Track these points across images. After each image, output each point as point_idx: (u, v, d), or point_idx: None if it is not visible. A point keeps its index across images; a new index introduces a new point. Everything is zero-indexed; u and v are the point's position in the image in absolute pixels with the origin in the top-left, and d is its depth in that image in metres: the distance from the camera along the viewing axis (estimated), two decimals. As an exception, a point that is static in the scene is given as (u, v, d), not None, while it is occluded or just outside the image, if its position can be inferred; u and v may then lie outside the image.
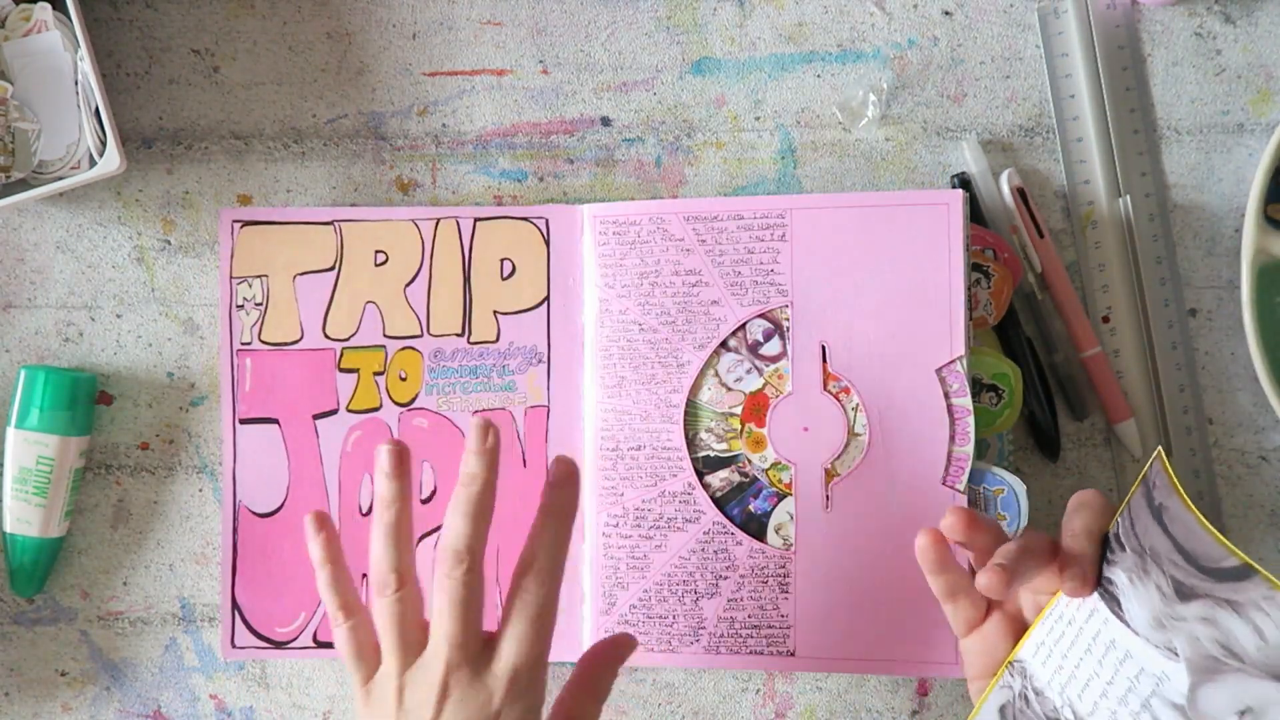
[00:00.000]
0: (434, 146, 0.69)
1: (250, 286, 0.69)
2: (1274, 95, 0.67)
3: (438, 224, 0.68)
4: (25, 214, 0.70)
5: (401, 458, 0.56)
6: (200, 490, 0.70)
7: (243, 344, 0.69)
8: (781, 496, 0.65)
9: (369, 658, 0.57)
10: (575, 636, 0.67)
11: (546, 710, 0.56)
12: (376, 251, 0.69)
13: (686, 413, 0.65)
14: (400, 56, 0.69)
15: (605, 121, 0.69)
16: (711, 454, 0.65)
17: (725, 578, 0.65)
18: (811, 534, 0.64)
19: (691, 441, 0.65)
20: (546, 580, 0.55)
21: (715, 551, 0.65)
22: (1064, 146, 0.68)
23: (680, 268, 0.65)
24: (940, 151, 0.68)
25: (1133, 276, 0.67)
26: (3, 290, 0.70)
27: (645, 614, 0.66)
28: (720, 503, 0.65)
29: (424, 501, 0.68)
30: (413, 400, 0.68)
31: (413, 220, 0.68)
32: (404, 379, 0.69)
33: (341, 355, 0.69)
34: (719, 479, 0.65)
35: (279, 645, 0.69)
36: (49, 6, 0.66)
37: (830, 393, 0.64)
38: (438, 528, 0.68)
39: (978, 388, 0.64)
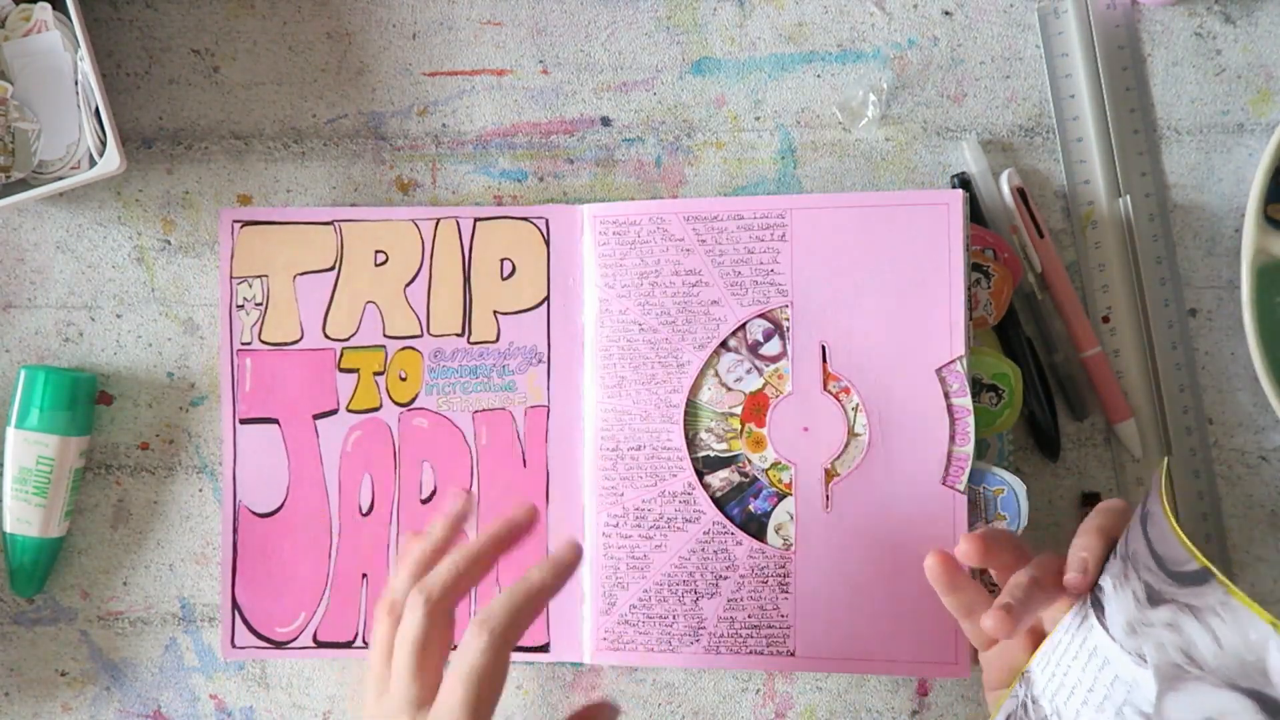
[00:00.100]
0: (434, 146, 0.69)
1: (250, 286, 0.69)
2: (1274, 95, 0.67)
3: (438, 224, 0.68)
4: (25, 214, 0.70)
5: (466, 513, 0.60)
6: (200, 490, 0.70)
7: (243, 344, 0.69)
8: (781, 496, 0.65)
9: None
10: (575, 636, 0.67)
11: None
12: (376, 251, 0.69)
13: (686, 413, 0.65)
14: (400, 56, 0.69)
15: (605, 121, 0.69)
16: (711, 454, 0.65)
17: (725, 578, 0.65)
18: (811, 534, 0.64)
19: (691, 441, 0.65)
20: (493, 646, 0.53)
21: (715, 551, 0.65)
22: (1064, 146, 0.68)
23: (680, 268, 0.65)
24: (940, 151, 0.68)
25: (1133, 276, 0.67)
26: (3, 290, 0.70)
27: (645, 614, 0.66)
28: (720, 503, 0.65)
29: (424, 502, 0.68)
30: (413, 400, 0.68)
31: (413, 220, 0.68)
32: (404, 379, 0.69)
33: (341, 355, 0.69)
34: (719, 479, 0.65)
35: (279, 645, 0.69)
36: (49, 6, 0.66)
37: (830, 393, 0.64)
38: (438, 528, 0.68)
39: (978, 388, 0.64)
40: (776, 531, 0.65)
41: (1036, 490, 0.68)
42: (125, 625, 0.70)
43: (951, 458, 0.63)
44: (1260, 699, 0.46)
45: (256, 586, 0.69)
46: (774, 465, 0.65)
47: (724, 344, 0.65)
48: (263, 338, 0.69)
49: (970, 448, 0.62)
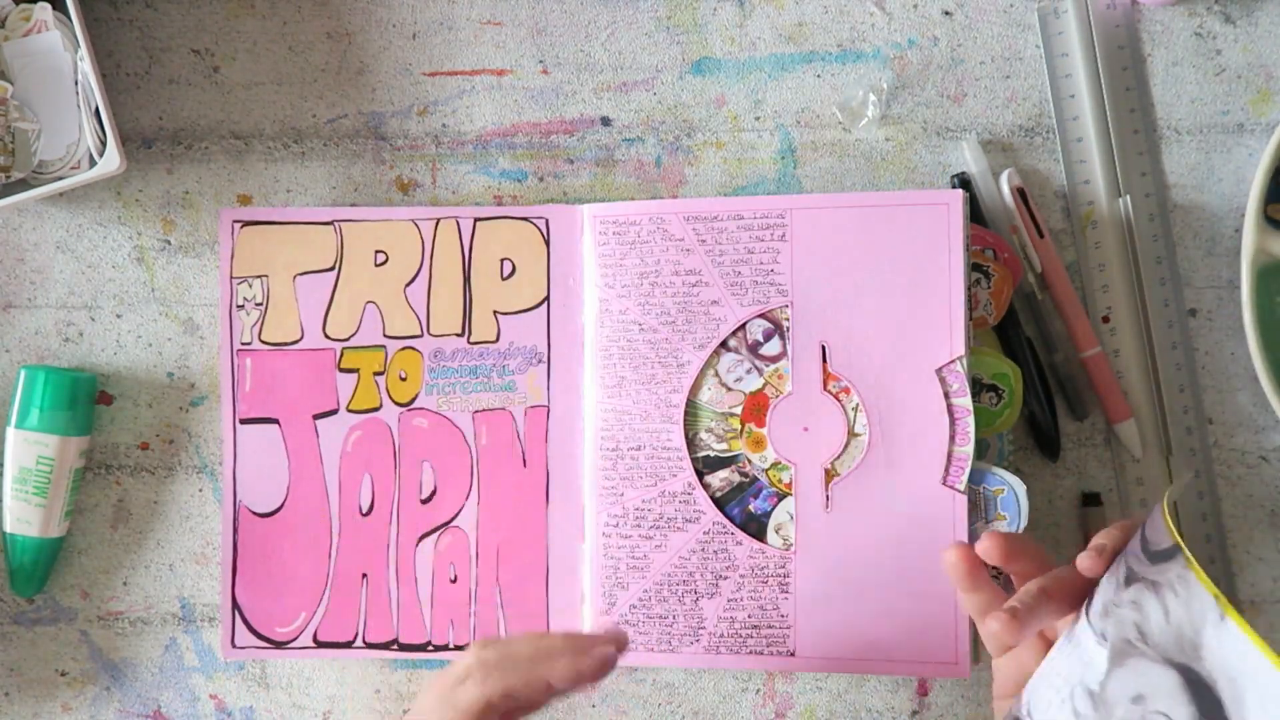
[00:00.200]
0: (434, 146, 0.69)
1: (250, 286, 0.69)
2: (1274, 95, 0.67)
3: (438, 224, 0.68)
4: (25, 214, 0.70)
5: (609, 665, 0.56)
6: (200, 490, 0.70)
7: (243, 344, 0.69)
8: (781, 496, 0.65)
9: None
10: (575, 636, 0.67)
11: None
12: (376, 251, 0.69)
13: (686, 413, 0.65)
14: (400, 56, 0.69)
15: (605, 121, 0.69)
16: (711, 454, 0.65)
17: (725, 578, 0.65)
18: (811, 534, 0.64)
19: (691, 441, 0.65)
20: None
21: (715, 551, 0.65)
22: (1064, 146, 0.68)
23: (680, 268, 0.65)
24: (940, 151, 0.68)
25: (1133, 276, 0.67)
26: (3, 290, 0.70)
27: (645, 614, 0.66)
28: (720, 503, 0.65)
29: (424, 502, 0.68)
30: (413, 400, 0.68)
31: (413, 220, 0.68)
32: (404, 379, 0.69)
33: (341, 355, 0.69)
34: (719, 479, 0.65)
35: (279, 645, 0.69)
36: (49, 6, 0.66)
37: (830, 393, 0.64)
38: (438, 527, 0.68)
39: (978, 388, 0.64)
40: (776, 531, 0.65)
41: (1036, 490, 0.68)
42: (125, 625, 0.70)
43: (951, 458, 0.63)
44: (1188, 675, 0.46)
45: (256, 586, 0.69)
46: (774, 465, 0.65)
47: (724, 344, 0.65)
48: (263, 338, 0.69)
49: (970, 448, 0.62)
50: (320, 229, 0.69)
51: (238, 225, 0.69)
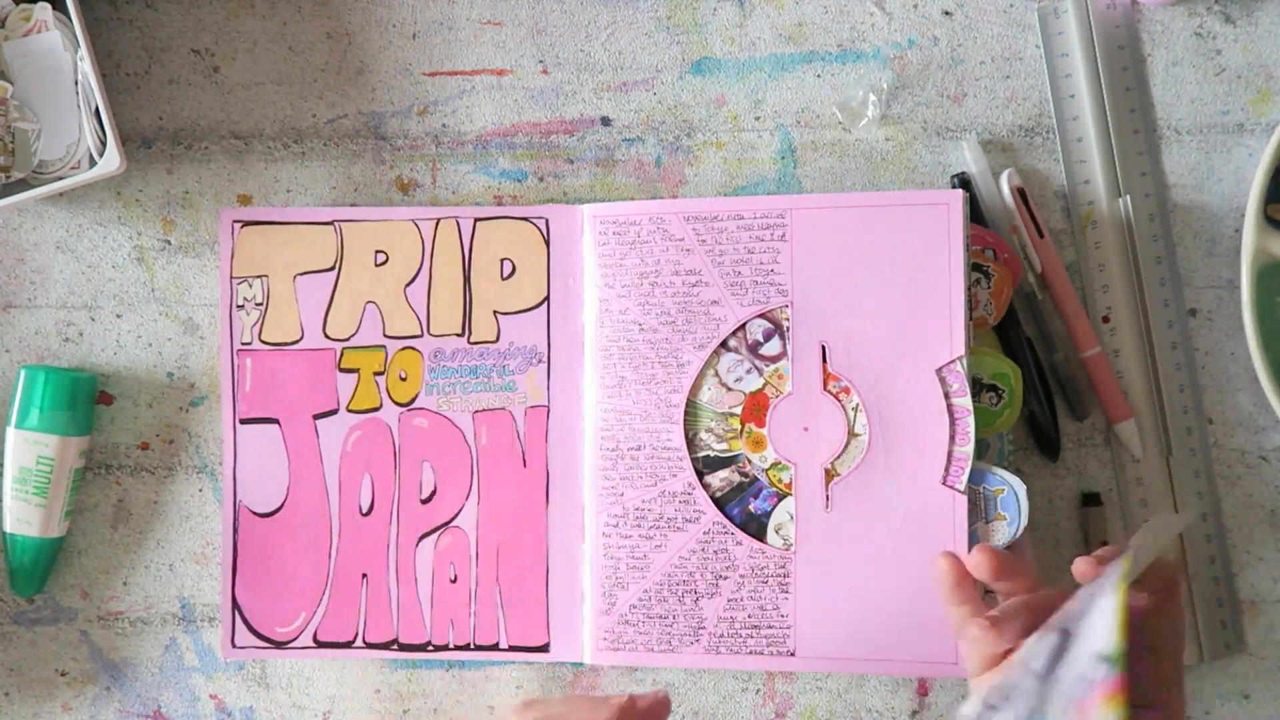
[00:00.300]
0: (434, 146, 0.69)
1: (250, 286, 0.69)
2: (1274, 95, 0.67)
3: (438, 224, 0.68)
4: (25, 214, 0.70)
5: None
6: (200, 490, 0.70)
7: (243, 344, 0.69)
8: (781, 496, 0.65)
9: None
10: (575, 636, 0.67)
11: None
12: (376, 251, 0.69)
13: (686, 413, 0.65)
14: (400, 56, 0.69)
15: (605, 121, 0.69)
16: (711, 454, 0.65)
17: (725, 578, 0.65)
18: (811, 534, 0.64)
19: (691, 441, 0.65)
20: None
21: (715, 551, 0.65)
22: (1064, 146, 0.68)
23: (680, 268, 0.65)
24: (940, 151, 0.68)
25: (1133, 276, 0.67)
26: (3, 290, 0.70)
27: (645, 614, 0.66)
28: (720, 503, 0.65)
29: (424, 502, 0.68)
30: (413, 400, 0.68)
31: (413, 220, 0.68)
32: (404, 379, 0.69)
33: (341, 355, 0.69)
34: (719, 479, 0.65)
35: (279, 645, 0.69)
36: (49, 6, 0.66)
37: (830, 393, 0.64)
38: (438, 527, 0.68)
39: (978, 388, 0.64)
40: (776, 531, 0.65)
41: (1036, 490, 0.68)
42: (125, 625, 0.70)
43: (951, 458, 0.63)
44: (1064, 635, 0.46)
45: (256, 586, 0.69)
46: (774, 465, 0.65)
47: (724, 344, 0.65)
48: (263, 338, 0.69)
49: (970, 448, 0.62)
50: (320, 229, 0.69)
51: (238, 225, 0.69)
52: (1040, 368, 0.67)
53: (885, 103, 0.68)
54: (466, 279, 0.68)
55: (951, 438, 0.63)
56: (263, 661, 0.70)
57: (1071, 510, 0.68)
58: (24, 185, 0.66)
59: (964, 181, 0.67)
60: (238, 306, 0.69)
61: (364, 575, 0.69)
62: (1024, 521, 0.62)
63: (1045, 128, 0.68)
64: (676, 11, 0.69)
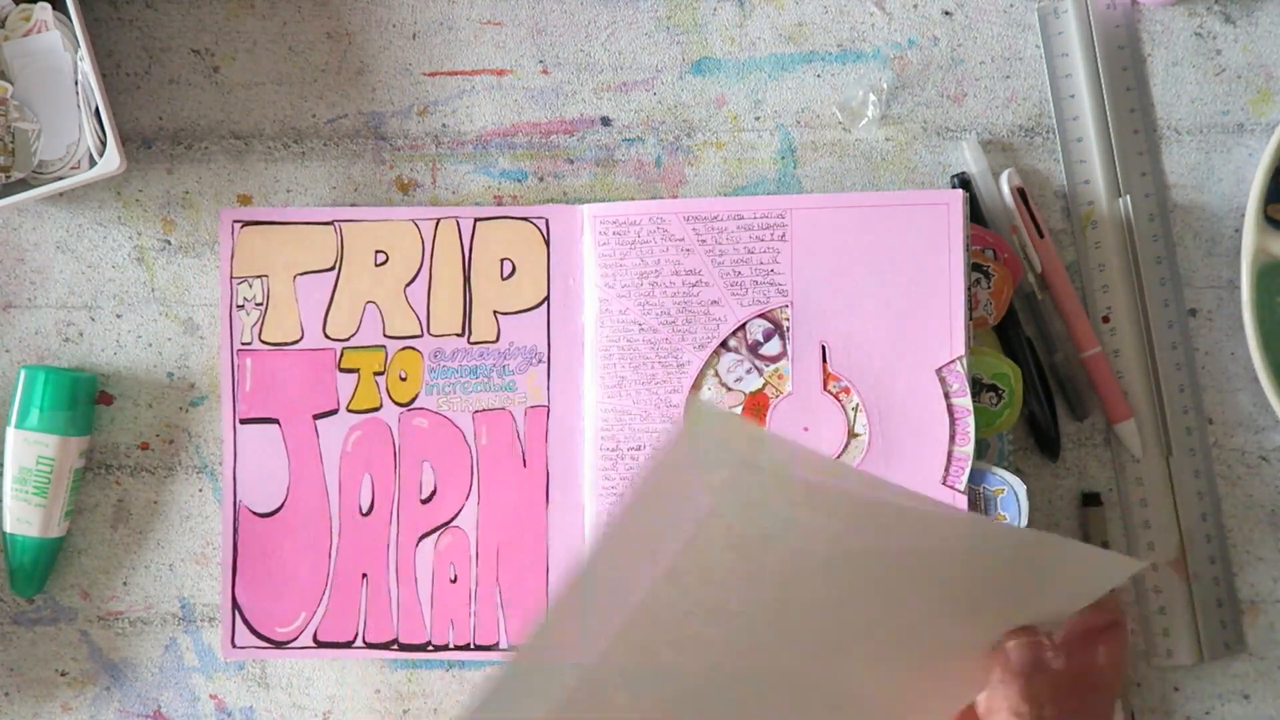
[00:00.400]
0: (434, 146, 0.69)
1: (250, 286, 0.69)
2: (1274, 95, 0.67)
3: (438, 224, 0.68)
4: (25, 214, 0.70)
5: None
6: (200, 490, 0.70)
7: (243, 344, 0.69)
8: (781, 496, 0.65)
9: None
10: (575, 636, 0.67)
11: None
12: (376, 251, 0.69)
13: (686, 413, 0.65)
14: (400, 56, 0.69)
15: (605, 121, 0.69)
16: (711, 454, 0.65)
17: (725, 578, 0.65)
18: (811, 534, 0.64)
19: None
20: None
21: (715, 551, 0.65)
22: (1064, 146, 0.68)
23: (680, 268, 0.65)
24: (940, 151, 0.68)
25: (1133, 276, 0.67)
26: (3, 290, 0.70)
27: (645, 614, 0.66)
28: (720, 503, 0.65)
29: (424, 502, 0.68)
30: (413, 400, 0.68)
31: (413, 220, 0.68)
32: (404, 379, 0.69)
33: (341, 355, 0.69)
34: (719, 479, 0.65)
35: (279, 645, 0.69)
36: (49, 6, 0.66)
37: (830, 393, 0.64)
38: (438, 527, 0.68)
39: (978, 388, 0.64)
40: (776, 531, 0.65)
41: (1036, 490, 0.68)
42: (125, 625, 0.70)
43: (951, 458, 0.63)
44: None
45: (256, 586, 0.69)
46: (774, 465, 0.65)
47: (724, 344, 0.65)
48: (263, 338, 0.69)
49: (970, 448, 0.62)
50: (320, 229, 0.69)
51: (238, 225, 0.69)
52: (1040, 368, 0.67)
53: (885, 103, 0.68)
54: (466, 279, 0.68)
55: (951, 438, 0.63)
56: (263, 661, 0.70)
57: (1071, 510, 0.68)
58: (24, 185, 0.66)
59: (964, 181, 0.67)
60: (238, 306, 0.69)
61: (364, 575, 0.69)
62: (1024, 522, 0.62)
63: (1045, 128, 0.68)
64: (676, 11, 0.69)
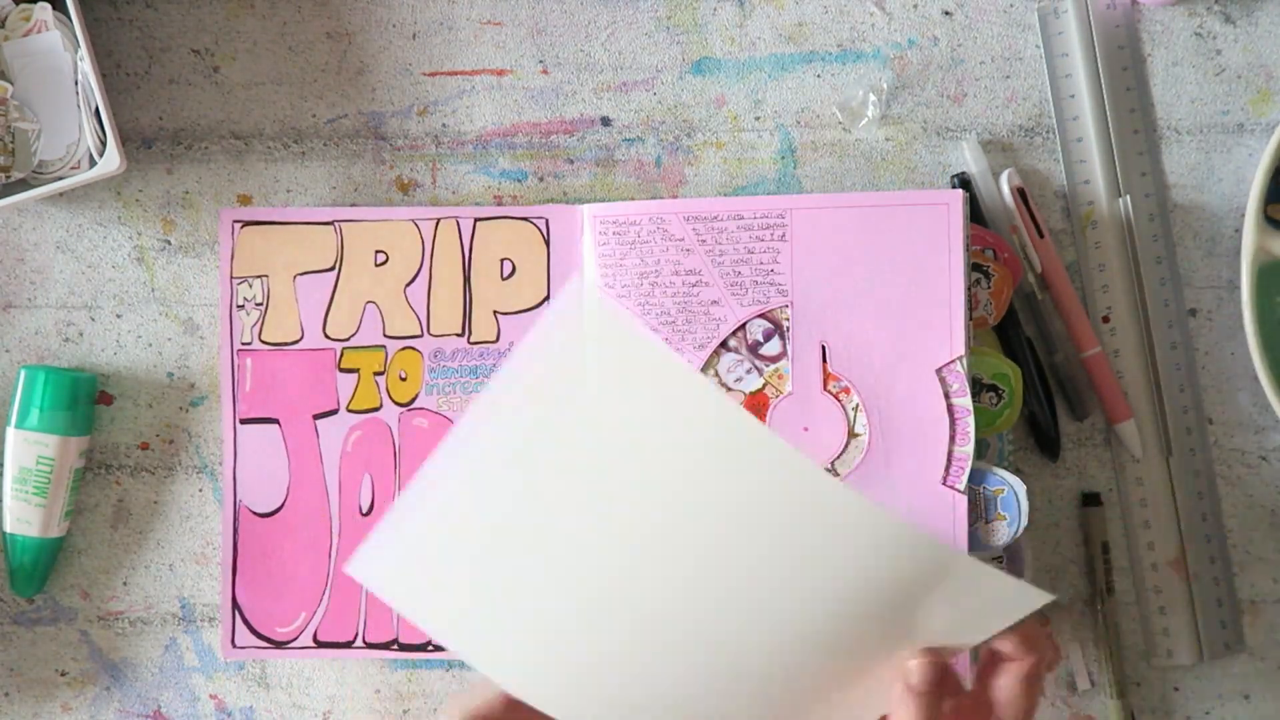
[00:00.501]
0: (434, 146, 0.69)
1: (250, 286, 0.69)
2: (1274, 95, 0.67)
3: (438, 224, 0.68)
4: (25, 214, 0.70)
5: None
6: (200, 490, 0.70)
7: (243, 344, 0.69)
8: (781, 496, 0.65)
9: None
10: (575, 636, 0.67)
11: None
12: (376, 251, 0.69)
13: (686, 413, 0.65)
14: (400, 56, 0.69)
15: (605, 121, 0.69)
16: (711, 454, 0.65)
17: (725, 578, 0.65)
18: (811, 534, 0.64)
19: (691, 441, 0.65)
20: None
21: (715, 551, 0.65)
22: (1064, 146, 0.68)
23: (680, 268, 0.65)
24: (940, 151, 0.68)
25: (1133, 276, 0.67)
26: (3, 290, 0.70)
27: (645, 614, 0.66)
28: (720, 503, 0.65)
29: (424, 501, 0.68)
30: (413, 400, 0.68)
31: (413, 220, 0.68)
32: (404, 379, 0.69)
33: (342, 355, 0.69)
34: (719, 479, 0.65)
35: (279, 645, 0.69)
36: (49, 6, 0.66)
37: (830, 393, 0.64)
38: (438, 528, 0.68)
39: (978, 388, 0.64)
40: (776, 531, 0.65)
41: (1036, 490, 0.68)
42: (125, 625, 0.70)
43: (951, 458, 0.63)
44: None
45: (256, 586, 0.69)
46: (774, 465, 0.65)
47: (724, 344, 0.65)
48: (263, 338, 0.69)
49: (970, 448, 0.62)
50: (320, 229, 0.69)
51: (238, 225, 0.69)
52: (1040, 368, 0.67)
53: (885, 103, 0.68)
54: (466, 279, 0.68)
55: (951, 438, 0.63)
56: (263, 661, 0.70)
57: (1071, 510, 0.68)
58: (24, 185, 0.66)
59: (964, 181, 0.67)
60: (238, 306, 0.69)
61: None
62: (1024, 521, 0.62)
63: (1045, 128, 0.68)
64: (676, 11, 0.69)
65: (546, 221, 0.68)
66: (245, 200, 0.69)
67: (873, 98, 0.68)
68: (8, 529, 0.67)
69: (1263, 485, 0.67)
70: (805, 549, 0.49)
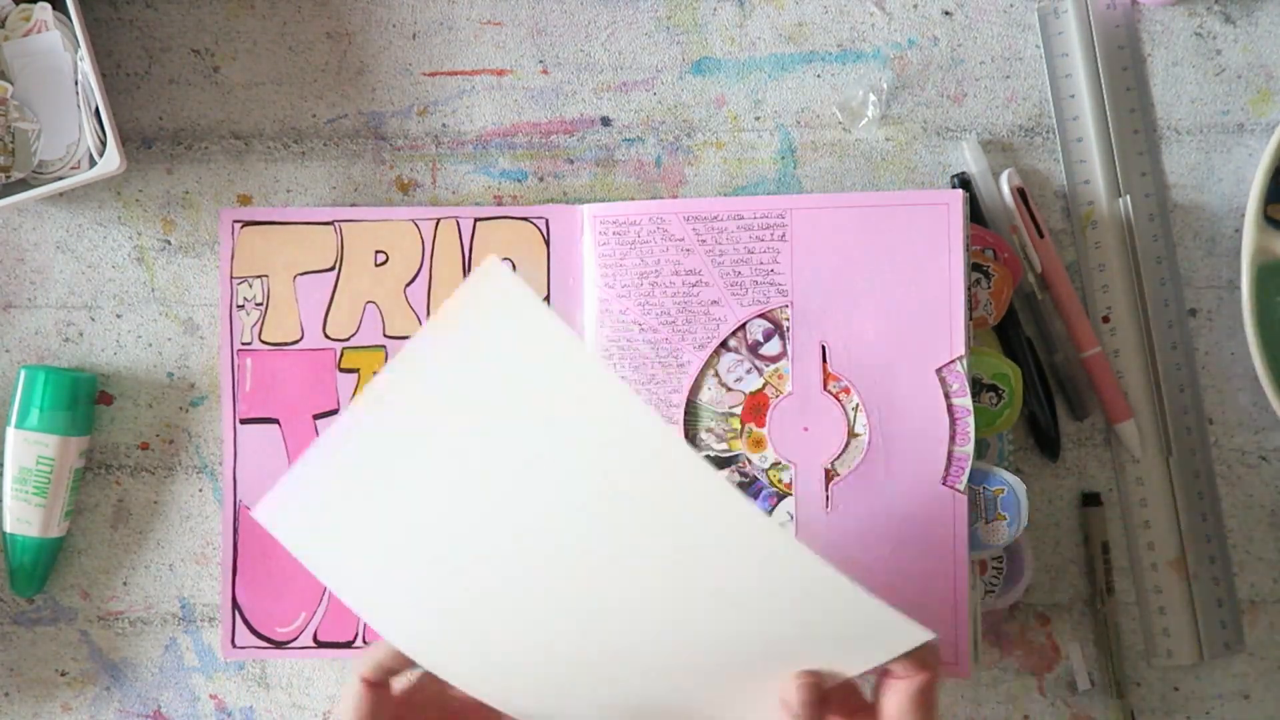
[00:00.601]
0: (434, 146, 0.69)
1: (250, 286, 0.69)
2: (1274, 95, 0.67)
3: (438, 224, 0.68)
4: (25, 214, 0.70)
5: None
6: (200, 490, 0.70)
7: (243, 344, 0.69)
8: (781, 496, 0.65)
9: None
10: (575, 636, 0.67)
11: None
12: (376, 251, 0.69)
13: (686, 413, 0.65)
14: (400, 56, 0.69)
15: (605, 121, 0.69)
16: (711, 454, 0.65)
17: (725, 578, 0.65)
18: (811, 534, 0.64)
19: (691, 441, 0.65)
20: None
21: (715, 551, 0.65)
22: (1064, 146, 0.68)
23: (680, 268, 0.65)
24: (940, 151, 0.68)
25: (1133, 276, 0.67)
26: (3, 290, 0.70)
27: (645, 614, 0.66)
28: (720, 503, 0.65)
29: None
30: (413, 400, 0.68)
31: (413, 220, 0.69)
32: (404, 379, 0.68)
33: (342, 355, 0.69)
34: (719, 479, 0.65)
35: (279, 645, 0.69)
36: (49, 6, 0.66)
37: (830, 393, 0.64)
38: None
39: (978, 388, 0.64)
40: (776, 531, 0.65)
41: (1036, 490, 0.68)
42: (125, 625, 0.70)
43: (951, 458, 0.63)
44: None
45: (256, 586, 0.69)
46: (774, 465, 0.65)
47: (724, 344, 0.65)
48: (263, 338, 0.69)
49: (970, 448, 0.62)
50: (320, 229, 0.69)
51: (238, 225, 0.69)
52: (1040, 368, 0.67)
53: (885, 103, 0.68)
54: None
55: (951, 438, 0.63)
56: (263, 661, 0.70)
57: (1071, 510, 0.68)
58: (24, 185, 0.66)
59: (964, 181, 0.67)
60: (238, 306, 0.69)
61: (364, 575, 0.68)
62: (1024, 521, 0.62)
63: (1045, 128, 0.68)
64: (676, 11, 0.69)
65: (546, 221, 0.68)
66: (245, 200, 0.69)
67: (873, 98, 0.68)
68: (8, 529, 0.68)
69: (1263, 485, 0.67)
70: (684, 539, 0.49)
